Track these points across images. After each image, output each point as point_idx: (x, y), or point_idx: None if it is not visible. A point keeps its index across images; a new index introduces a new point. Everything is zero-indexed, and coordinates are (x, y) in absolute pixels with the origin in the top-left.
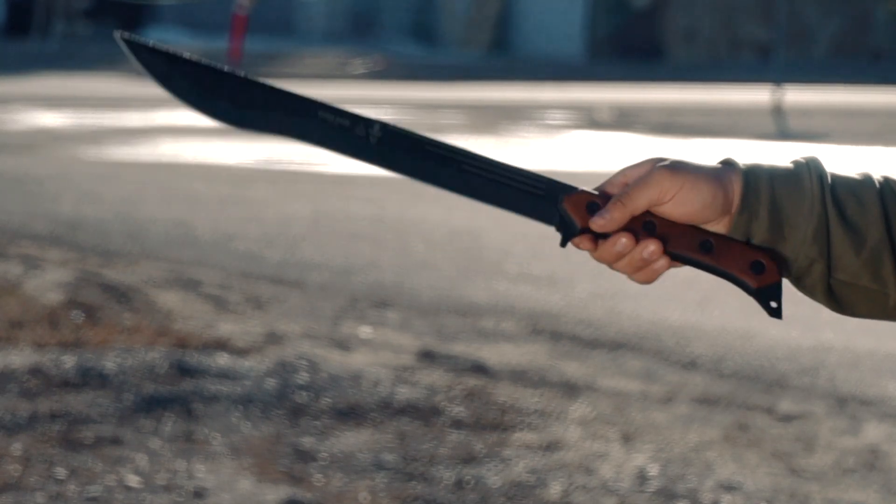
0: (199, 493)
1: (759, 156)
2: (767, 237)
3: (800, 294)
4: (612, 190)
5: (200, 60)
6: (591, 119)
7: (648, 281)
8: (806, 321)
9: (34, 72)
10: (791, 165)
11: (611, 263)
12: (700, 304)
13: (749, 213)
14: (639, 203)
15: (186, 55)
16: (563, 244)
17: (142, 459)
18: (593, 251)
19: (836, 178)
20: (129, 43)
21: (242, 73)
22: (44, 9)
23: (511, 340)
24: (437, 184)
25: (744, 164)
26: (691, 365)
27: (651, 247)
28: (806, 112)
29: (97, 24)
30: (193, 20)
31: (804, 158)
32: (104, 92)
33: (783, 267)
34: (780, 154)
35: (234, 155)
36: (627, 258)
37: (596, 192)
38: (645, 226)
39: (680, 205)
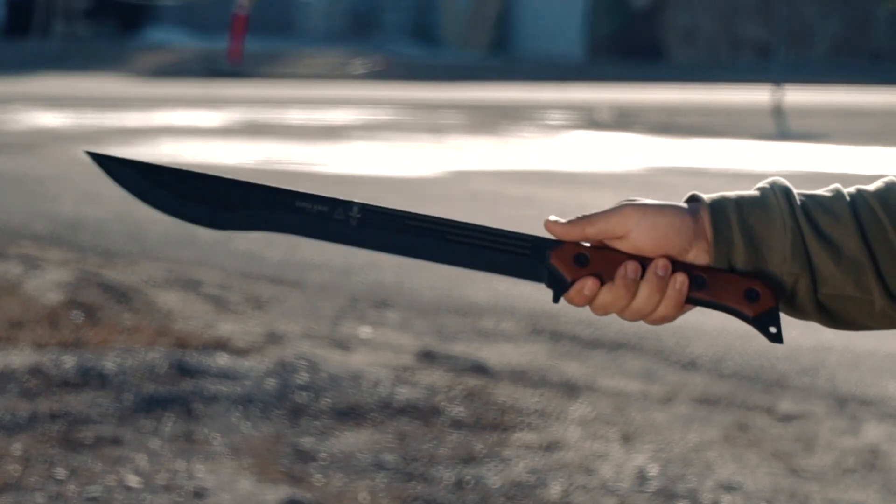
0: (199, 493)
1: (728, 187)
2: (748, 261)
3: None
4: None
5: (172, 168)
6: (591, 119)
7: (667, 318)
8: (806, 321)
9: (34, 72)
10: (754, 190)
11: (623, 306)
12: None
13: (725, 242)
14: (596, 225)
15: (157, 164)
16: (556, 300)
17: (142, 459)
18: (593, 300)
19: (804, 195)
20: (98, 158)
21: (214, 175)
22: (44, 9)
23: (511, 340)
24: (422, 257)
25: (708, 197)
26: (691, 365)
27: (679, 278)
28: (806, 112)
29: (97, 24)
30: (193, 20)
31: (767, 182)
32: (104, 92)
33: (777, 292)
34: (779, 154)
35: (234, 155)
36: (646, 294)
37: (584, 244)
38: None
39: (650, 230)
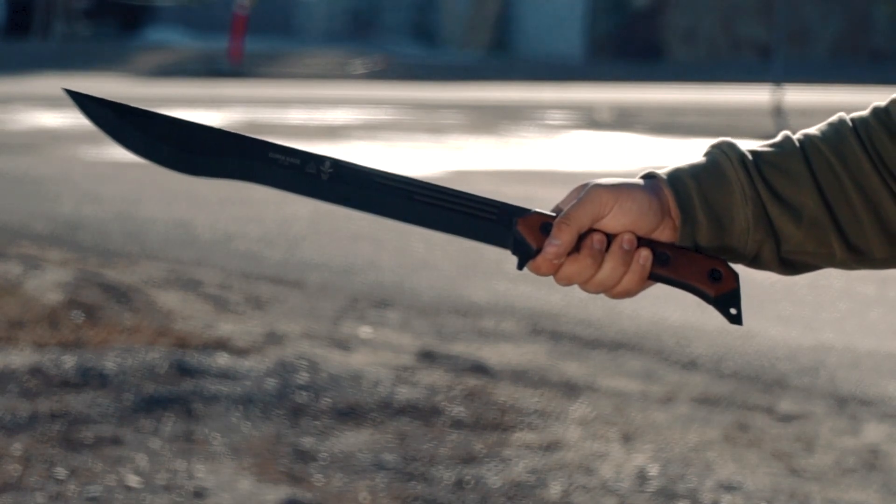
0: (199, 493)
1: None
2: (713, 236)
3: (800, 294)
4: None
5: (146, 110)
6: (591, 119)
7: (630, 292)
8: (806, 321)
9: (34, 72)
10: (708, 159)
11: (587, 277)
12: (700, 303)
13: (691, 221)
14: (582, 220)
15: (131, 106)
16: (521, 267)
17: (142, 459)
18: (557, 271)
19: (757, 156)
20: (74, 95)
21: (188, 120)
22: (44, 9)
23: (511, 340)
24: (390, 215)
25: (664, 173)
26: (691, 365)
27: (644, 252)
28: (806, 112)
29: (97, 24)
30: (193, 20)
31: (716, 146)
32: (104, 92)
33: (740, 259)
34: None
35: None
36: (610, 267)
37: (550, 213)
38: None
39: (621, 215)
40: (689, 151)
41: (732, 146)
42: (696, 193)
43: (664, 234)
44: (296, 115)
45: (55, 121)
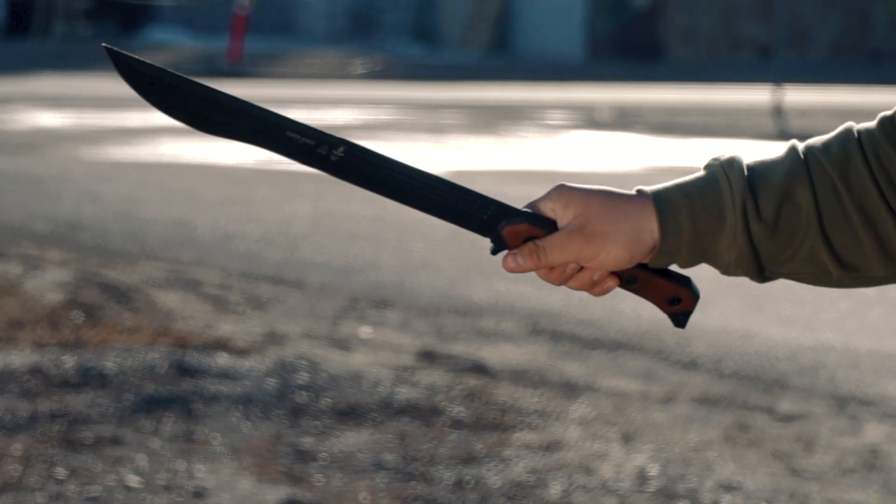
0: (199, 493)
1: (683, 177)
2: (688, 266)
3: (800, 294)
4: (546, 212)
5: (178, 73)
6: (591, 119)
7: (598, 295)
8: (806, 321)
9: (34, 72)
10: (710, 194)
11: (554, 282)
12: (700, 303)
13: (667, 258)
14: (555, 262)
15: (166, 69)
16: (494, 254)
17: (142, 459)
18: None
19: (761, 187)
20: (113, 54)
21: (215, 89)
22: (44, 9)
23: (511, 340)
24: (392, 198)
25: (659, 211)
26: (691, 365)
27: (610, 283)
28: (806, 112)
29: (97, 24)
30: (193, 20)
31: (725, 175)
32: (104, 92)
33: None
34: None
35: (234, 155)
36: (576, 283)
37: (537, 230)
38: None
39: (607, 261)
40: (690, 151)
41: (737, 176)
42: (687, 239)
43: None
44: (296, 115)
45: (55, 121)
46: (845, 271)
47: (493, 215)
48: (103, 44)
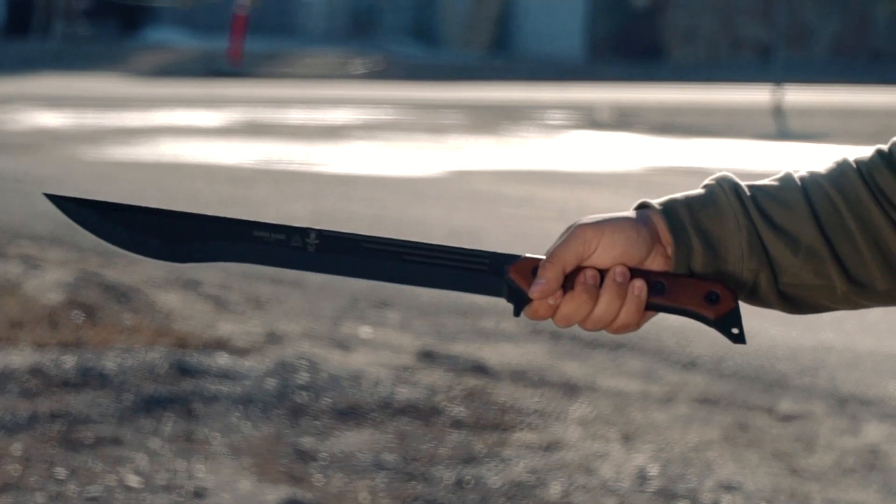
0: (199, 493)
1: (675, 189)
2: (707, 263)
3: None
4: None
5: (125, 204)
6: (591, 119)
7: (629, 326)
8: (806, 321)
9: (34, 72)
10: (703, 189)
11: (584, 314)
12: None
13: (684, 247)
14: (566, 258)
15: (113, 202)
16: (517, 314)
17: (142, 459)
18: (554, 313)
19: (754, 188)
20: (55, 200)
21: (170, 210)
22: (44, 9)
23: (511, 340)
24: (383, 279)
25: (658, 203)
26: (691, 365)
27: (637, 283)
28: (806, 112)
29: (97, 24)
30: (193, 20)
31: (713, 179)
32: (104, 92)
33: (736, 293)
34: (779, 154)
35: (234, 155)
36: (606, 301)
37: (539, 257)
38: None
39: (609, 248)
40: (690, 151)
41: (727, 178)
42: (689, 221)
43: (656, 263)
44: (296, 115)
45: (55, 121)
46: (851, 285)
47: (492, 263)
48: (43, 193)
